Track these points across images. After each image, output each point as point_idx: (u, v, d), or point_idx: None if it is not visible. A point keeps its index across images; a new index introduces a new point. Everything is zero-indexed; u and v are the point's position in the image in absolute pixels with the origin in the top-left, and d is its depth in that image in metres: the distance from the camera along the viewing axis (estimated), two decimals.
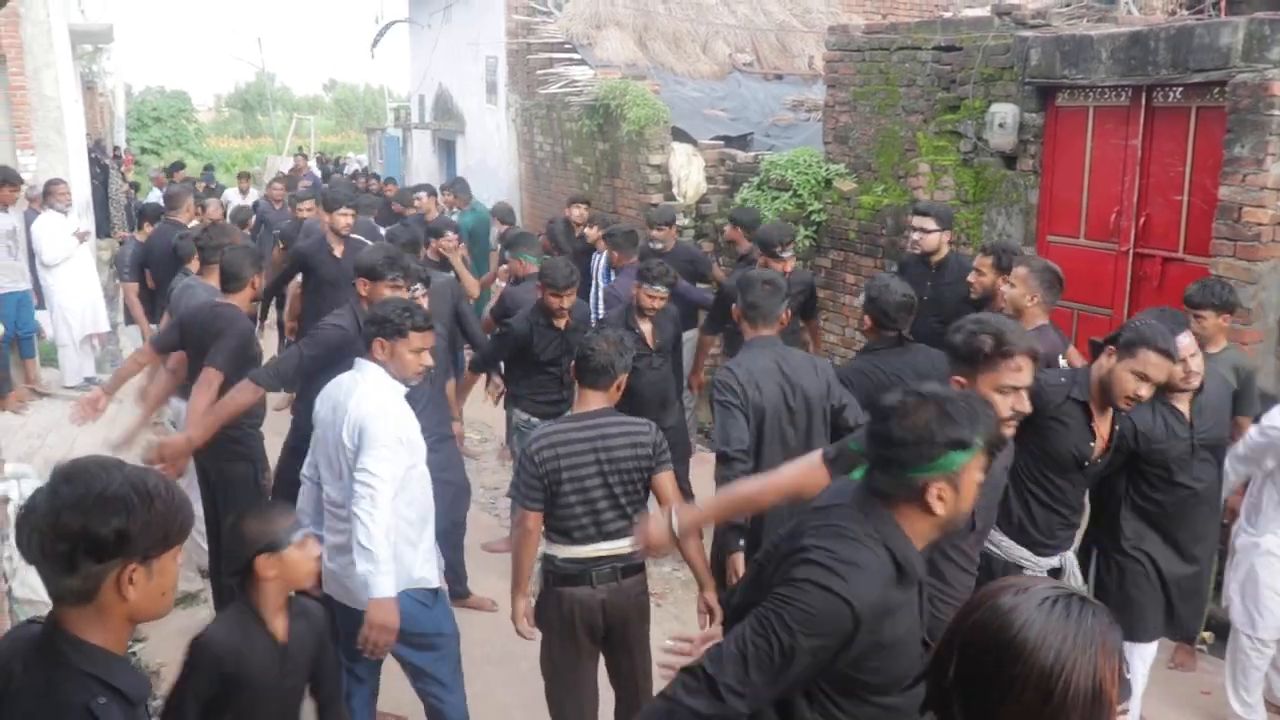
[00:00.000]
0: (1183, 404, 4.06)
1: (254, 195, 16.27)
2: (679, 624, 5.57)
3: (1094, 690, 1.42)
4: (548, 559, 3.84)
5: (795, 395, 4.25)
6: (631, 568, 3.86)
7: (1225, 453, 4.41)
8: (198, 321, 5.12)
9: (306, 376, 4.75)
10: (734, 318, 4.57)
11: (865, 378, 4.45)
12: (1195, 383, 4.05)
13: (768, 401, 4.20)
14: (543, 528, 3.80)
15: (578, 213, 9.54)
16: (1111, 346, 3.72)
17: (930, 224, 5.95)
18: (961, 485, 2.24)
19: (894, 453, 2.25)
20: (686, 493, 6.09)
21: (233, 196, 15.56)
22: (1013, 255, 5.13)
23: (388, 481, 3.63)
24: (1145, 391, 3.65)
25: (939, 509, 2.24)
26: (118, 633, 1.99)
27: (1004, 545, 3.88)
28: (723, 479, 4.03)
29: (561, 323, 5.95)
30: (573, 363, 3.87)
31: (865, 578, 2.20)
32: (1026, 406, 3.16)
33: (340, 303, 6.15)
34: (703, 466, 6.05)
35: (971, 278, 5.33)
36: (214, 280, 5.94)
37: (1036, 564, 3.87)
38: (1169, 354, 3.66)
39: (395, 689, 4.34)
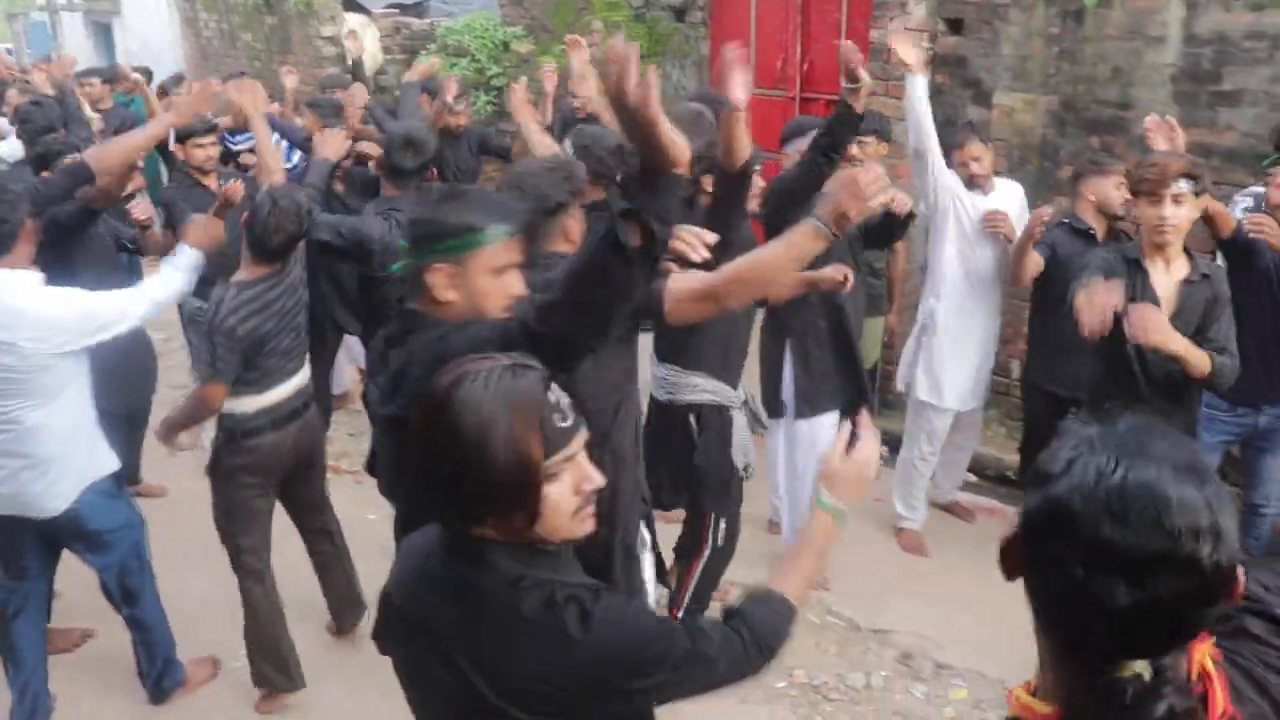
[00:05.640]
0: None
1: None
2: None
3: (515, 450, 1.45)
4: (231, 418, 3.70)
5: None
6: (310, 399, 4.00)
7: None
8: None
9: None
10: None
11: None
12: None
13: None
14: None
15: None
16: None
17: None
18: (470, 274, 2.17)
19: (414, 233, 2.22)
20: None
21: None
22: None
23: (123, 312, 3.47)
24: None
25: (443, 295, 2.17)
26: None
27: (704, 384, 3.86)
28: None
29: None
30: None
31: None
32: None
33: None
34: None
35: None
36: None
37: (732, 399, 3.88)
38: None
39: (77, 602, 4.13)
